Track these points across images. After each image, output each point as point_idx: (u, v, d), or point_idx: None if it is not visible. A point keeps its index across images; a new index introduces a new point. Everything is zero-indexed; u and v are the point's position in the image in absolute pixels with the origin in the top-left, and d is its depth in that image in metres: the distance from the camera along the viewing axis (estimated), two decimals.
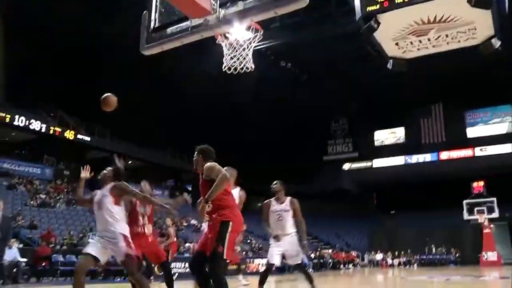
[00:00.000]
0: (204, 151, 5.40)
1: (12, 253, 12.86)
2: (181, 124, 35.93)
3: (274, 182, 7.34)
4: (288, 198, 7.24)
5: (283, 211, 7.15)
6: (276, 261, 7.09)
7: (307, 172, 42.27)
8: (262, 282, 6.99)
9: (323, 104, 40.23)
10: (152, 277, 14.34)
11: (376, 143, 46.51)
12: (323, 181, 43.15)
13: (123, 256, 5.42)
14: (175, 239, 14.93)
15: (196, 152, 5.42)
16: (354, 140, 47.15)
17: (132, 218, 6.54)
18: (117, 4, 25.69)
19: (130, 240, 5.53)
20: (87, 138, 31.53)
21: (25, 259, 13.45)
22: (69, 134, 30.53)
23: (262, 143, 40.60)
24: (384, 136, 46.36)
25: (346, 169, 46.04)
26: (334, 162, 46.39)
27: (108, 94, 6.18)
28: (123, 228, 5.57)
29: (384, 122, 44.85)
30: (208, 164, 5.14)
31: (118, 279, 15.15)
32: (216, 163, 5.14)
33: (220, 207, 5.01)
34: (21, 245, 14.33)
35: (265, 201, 7.33)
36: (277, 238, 7.08)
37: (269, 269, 7.14)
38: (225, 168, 6.35)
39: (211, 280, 4.88)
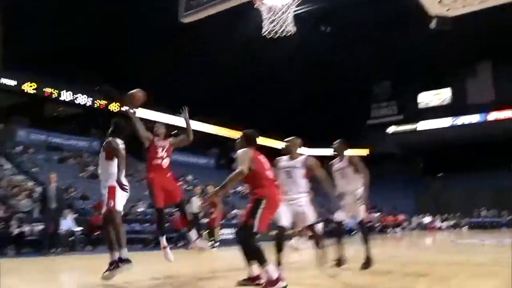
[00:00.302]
0: (246, 136, 5.63)
1: (68, 223, 13.41)
2: (224, 92, 36.11)
3: (335, 142, 7.51)
4: (347, 155, 7.37)
5: (344, 168, 7.28)
6: (342, 218, 7.26)
7: (351, 137, 41.90)
8: (340, 241, 7.13)
9: (365, 68, 39.58)
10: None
11: (421, 105, 45.62)
12: (367, 145, 42.74)
13: (105, 206, 5.94)
14: (221, 205, 15.20)
15: (241, 135, 5.66)
16: (398, 103, 46.36)
17: (151, 151, 6.85)
18: None
19: (115, 192, 5.95)
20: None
21: (80, 228, 14.01)
22: (114, 107, 31.21)
23: (304, 108, 40.46)
24: (429, 98, 45.37)
25: (391, 132, 45.44)
26: (378, 126, 45.83)
27: (135, 90, 6.66)
28: (110, 180, 6.01)
29: (428, 84, 43.83)
30: (239, 152, 5.37)
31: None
32: (246, 152, 5.34)
33: (255, 187, 5.30)
34: (75, 215, 14.89)
35: (330, 162, 7.49)
36: (340, 196, 7.20)
37: (339, 228, 7.29)
38: (290, 138, 6.42)
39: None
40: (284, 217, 6.15)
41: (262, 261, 4.98)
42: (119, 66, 31.47)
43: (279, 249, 6.18)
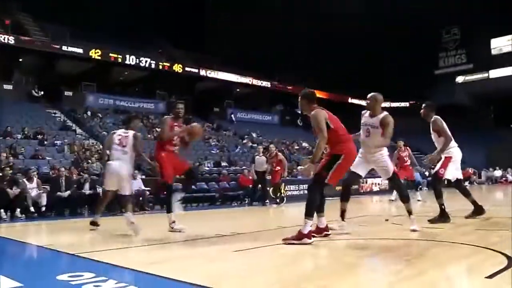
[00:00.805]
0: (306, 96, 5.75)
1: (137, 184, 13.83)
2: (287, 49, 35.82)
3: (423, 105, 7.63)
4: (433, 118, 7.42)
5: (432, 134, 7.51)
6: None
7: (418, 88, 40.58)
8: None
9: (432, 14, 37.94)
10: (267, 201, 14.89)
11: (493, 52, 43.33)
12: (435, 96, 41.18)
13: None
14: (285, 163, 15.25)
15: (300, 97, 5.79)
16: (468, 51, 44.32)
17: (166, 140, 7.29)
18: None
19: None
20: (195, 70, 32.45)
21: (148, 189, 14.42)
22: (177, 68, 31.60)
23: (369, 61, 39.50)
24: (503, 43, 43.01)
25: (460, 82, 43.66)
26: (446, 75, 44.11)
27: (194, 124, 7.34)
28: None
29: (502, 28, 41.32)
30: (313, 113, 5.51)
31: (235, 204, 15.88)
32: (320, 114, 5.48)
33: (334, 143, 5.51)
34: (143, 176, 15.33)
35: None
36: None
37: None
38: (372, 94, 6.41)
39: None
40: (358, 166, 6.32)
41: (309, 212, 5.34)
42: (182, 27, 31.74)
43: (344, 197, 6.43)
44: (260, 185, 15.15)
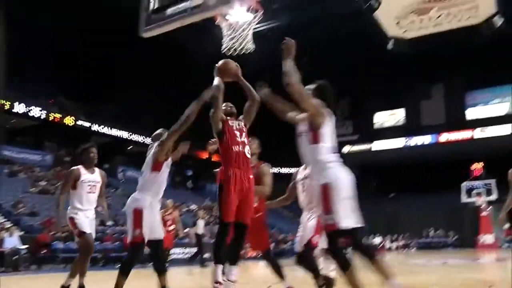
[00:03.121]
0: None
1: (13, 241, 12.77)
2: (179, 106, 35.72)
3: None
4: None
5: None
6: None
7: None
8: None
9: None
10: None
11: (376, 125, 46.23)
12: None
13: None
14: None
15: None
16: (354, 123, 46.84)
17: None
18: None
19: None
20: (87, 124, 31.29)
21: (25, 246, 13.33)
22: (69, 121, 30.33)
23: (263, 131, 40.48)
24: (384, 118, 46.04)
25: (346, 152, 45.86)
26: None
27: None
28: None
29: (384, 104, 44.48)
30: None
31: (118, 266, 15.08)
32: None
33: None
34: (22, 233, 14.25)
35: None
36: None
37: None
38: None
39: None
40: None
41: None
42: (75, 78, 30.79)
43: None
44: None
